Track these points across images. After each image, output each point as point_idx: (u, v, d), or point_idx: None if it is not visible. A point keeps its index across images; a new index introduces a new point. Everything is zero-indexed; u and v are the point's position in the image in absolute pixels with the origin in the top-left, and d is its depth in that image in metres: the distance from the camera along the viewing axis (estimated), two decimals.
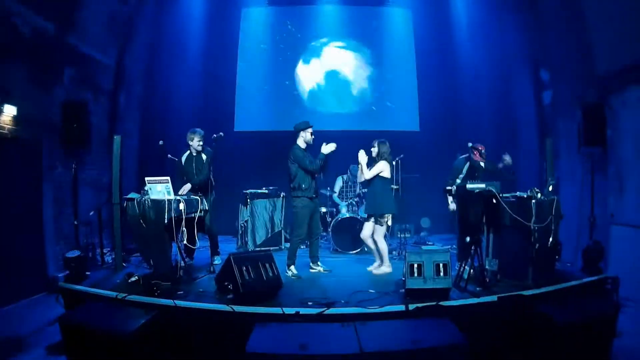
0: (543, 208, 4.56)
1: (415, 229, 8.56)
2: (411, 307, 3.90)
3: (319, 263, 5.53)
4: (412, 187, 7.57)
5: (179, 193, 5.29)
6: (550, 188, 4.95)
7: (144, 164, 8.17)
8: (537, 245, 4.50)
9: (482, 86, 8.74)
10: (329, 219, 7.29)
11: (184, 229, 4.83)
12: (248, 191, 7.08)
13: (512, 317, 3.97)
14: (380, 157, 5.38)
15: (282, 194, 7.21)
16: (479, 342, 3.45)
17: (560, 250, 5.38)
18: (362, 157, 5.38)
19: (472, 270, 4.59)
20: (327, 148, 5.30)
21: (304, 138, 5.43)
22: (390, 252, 5.96)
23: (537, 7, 7.36)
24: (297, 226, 5.36)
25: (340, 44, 9.34)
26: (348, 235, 6.78)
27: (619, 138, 5.85)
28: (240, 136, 8.91)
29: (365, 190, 6.13)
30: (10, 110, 5.14)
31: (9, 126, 5.15)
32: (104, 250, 6.11)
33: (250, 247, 6.84)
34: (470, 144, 5.91)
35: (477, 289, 4.39)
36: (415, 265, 4.18)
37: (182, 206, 4.74)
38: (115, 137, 5.70)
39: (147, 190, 4.87)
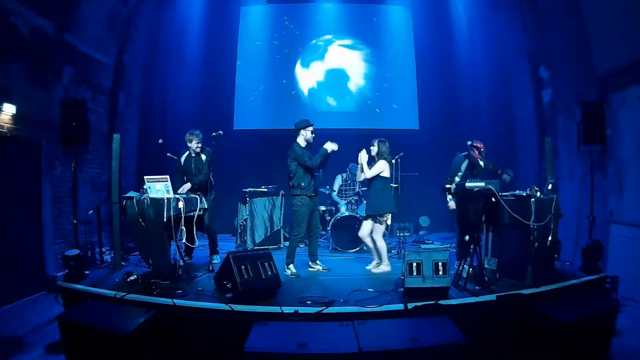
0: (542, 207, 4.55)
1: (414, 228, 8.57)
2: (410, 306, 3.90)
3: (318, 262, 5.52)
4: (412, 185, 7.57)
5: (179, 192, 5.29)
6: (550, 187, 4.95)
7: (143, 163, 8.17)
8: (537, 244, 4.49)
9: (481, 84, 8.75)
10: (328, 218, 7.29)
11: (183, 227, 4.83)
12: (247, 190, 7.08)
13: (511, 316, 3.97)
14: (379, 156, 5.37)
15: (282, 192, 7.20)
16: (478, 341, 3.44)
17: (559, 249, 5.38)
18: (364, 156, 5.38)
19: (471, 269, 4.59)
20: (330, 146, 5.29)
21: (304, 136, 5.42)
22: (389, 250, 5.96)
23: (536, 5, 7.36)
24: (296, 224, 5.35)
25: (339, 42, 9.34)
26: (347, 234, 6.78)
27: (618, 137, 5.85)
28: (240, 135, 8.92)
29: (365, 189, 6.12)
30: (9, 109, 5.14)
31: (8, 125, 5.16)
32: (103, 249, 6.12)
33: (249, 245, 6.84)
34: (469, 142, 5.91)
35: (476, 288, 4.38)
36: (414, 264, 4.18)
37: (181, 205, 4.74)
38: (114, 135, 5.70)
39: (146, 189, 4.86)
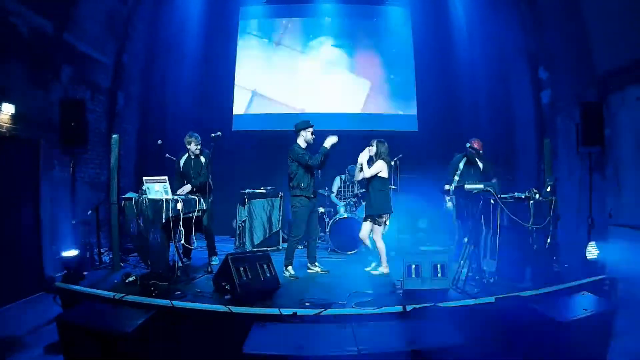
0: (541, 208, 4.56)
1: (413, 230, 8.54)
2: (409, 308, 3.89)
3: (316, 263, 5.52)
4: (410, 187, 7.56)
5: (178, 193, 5.28)
6: (549, 188, 4.95)
7: (142, 163, 8.16)
8: (535, 246, 4.49)
9: (480, 85, 8.73)
10: (327, 219, 7.28)
11: (182, 228, 4.83)
12: (246, 191, 7.07)
13: (509, 318, 3.96)
14: (378, 156, 5.37)
15: (280, 193, 7.19)
16: (476, 343, 3.44)
17: (558, 251, 5.38)
18: (364, 155, 5.38)
19: (469, 271, 4.59)
20: (330, 141, 5.27)
21: (304, 137, 5.41)
22: (387, 252, 5.95)
23: (536, 5, 7.36)
24: (295, 226, 5.35)
25: (338, 42, 9.32)
26: (346, 236, 6.76)
27: (617, 137, 5.86)
28: (239, 136, 8.90)
29: (363, 190, 6.12)
30: (8, 109, 5.13)
31: (6, 125, 5.15)
32: (102, 250, 6.09)
33: (248, 247, 6.82)
34: (467, 144, 5.90)
35: (475, 289, 4.38)
36: (413, 266, 4.18)
37: (180, 206, 4.73)
38: (113, 136, 5.69)
39: (145, 190, 4.86)
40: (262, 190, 7.16)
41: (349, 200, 7.33)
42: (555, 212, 4.67)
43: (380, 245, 5.36)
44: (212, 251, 5.81)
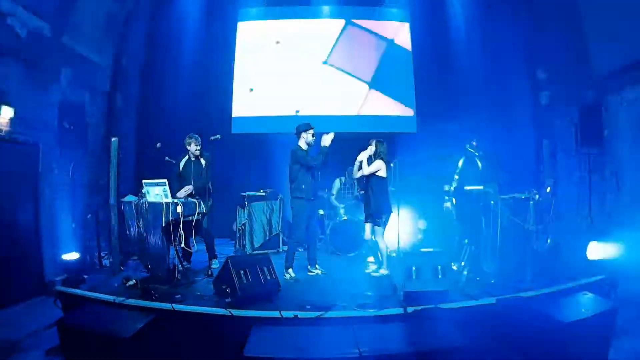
0: (541, 209, 4.56)
1: (413, 231, 8.54)
2: (410, 309, 3.89)
3: (317, 266, 5.51)
4: (410, 188, 7.55)
5: (179, 195, 5.26)
6: (548, 189, 4.96)
7: (141, 166, 8.14)
8: (535, 246, 4.50)
9: (479, 86, 8.73)
10: (326, 221, 7.27)
11: (182, 232, 4.81)
12: (246, 194, 7.05)
13: (510, 318, 3.96)
14: (377, 156, 5.38)
15: (280, 196, 7.18)
16: (478, 344, 3.44)
17: (558, 251, 5.38)
18: (365, 154, 5.38)
19: (470, 272, 4.59)
20: (327, 139, 5.28)
21: (305, 139, 5.41)
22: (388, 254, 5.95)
23: (534, 7, 7.38)
24: (295, 228, 5.35)
25: (336, 44, 9.32)
26: (346, 238, 6.75)
27: (615, 138, 5.87)
28: (238, 138, 8.89)
29: (363, 192, 6.12)
30: (7, 112, 5.12)
31: (5, 128, 5.14)
32: (102, 253, 6.07)
33: (248, 250, 6.81)
34: (467, 146, 5.90)
35: (476, 290, 4.38)
36: (414, 268, 4.18)
37: (179, 209, 4.72)
38: (112, 139, 5.68)
39: (145, 193, 4.85)
40: (261, 193, 7.15)
41: (348, 202, 7.32)
42: (554, 212, 4.68)
43: (382, 246, 5.36)
44: (212, 254, 5.79)
